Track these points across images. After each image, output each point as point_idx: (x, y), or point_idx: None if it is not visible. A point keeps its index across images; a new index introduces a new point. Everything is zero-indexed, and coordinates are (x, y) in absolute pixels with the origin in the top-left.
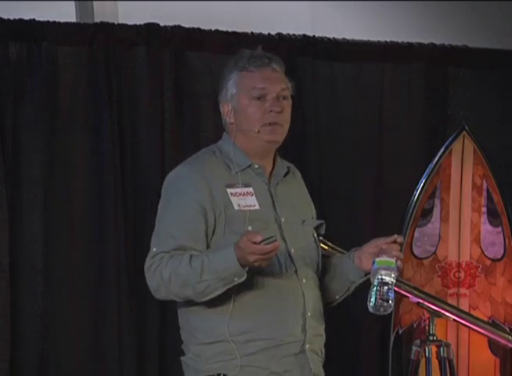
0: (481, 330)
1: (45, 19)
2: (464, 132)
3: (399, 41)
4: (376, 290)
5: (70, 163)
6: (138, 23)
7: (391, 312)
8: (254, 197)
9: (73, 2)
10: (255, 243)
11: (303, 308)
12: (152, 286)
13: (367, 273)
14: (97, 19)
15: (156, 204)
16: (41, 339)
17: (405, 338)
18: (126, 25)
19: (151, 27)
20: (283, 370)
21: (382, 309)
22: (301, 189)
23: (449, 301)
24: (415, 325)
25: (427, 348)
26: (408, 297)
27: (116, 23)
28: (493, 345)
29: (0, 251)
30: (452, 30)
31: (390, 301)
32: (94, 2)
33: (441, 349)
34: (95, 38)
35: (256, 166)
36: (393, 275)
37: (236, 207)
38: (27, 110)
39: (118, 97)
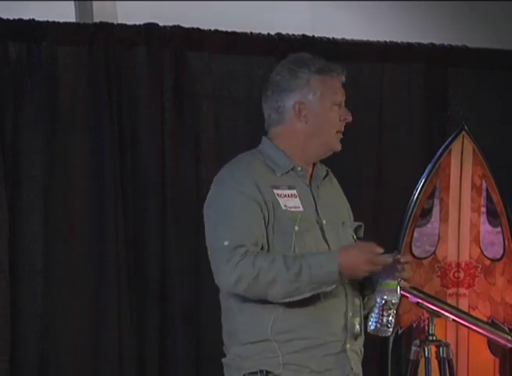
0: (481, 330)
1: (45, 20)
2: (464, 132)
3: (399, 41)
4: (378, 314)
5: (69, 163)
6: (137, 23)
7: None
8: (297, 199)
9: (72, 2)
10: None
11: (345, 307)
12: (230, 279)
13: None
14: (96, 20)
15: (156, 205)
16: (40, 339)
17: (404, 338)
18: (126, 25)
19: (151, 27)
20: (323, 369)
21: (381, 333)
22: (338, 191)
23: (449, 301)
24: (414, 325)
25: (426, 349)
26: (407, 297)
27: (115, 23)
28: (493, 345)
29: (0, 250)
30: (452, 30)
31: (389, 327)
32: (93, 2)
33: (441, 349)
34: (95, 38)
35: (299, 168)
36: (395, 298)
37: (283, 208)
38: (26, 110)
39: (118, 97)
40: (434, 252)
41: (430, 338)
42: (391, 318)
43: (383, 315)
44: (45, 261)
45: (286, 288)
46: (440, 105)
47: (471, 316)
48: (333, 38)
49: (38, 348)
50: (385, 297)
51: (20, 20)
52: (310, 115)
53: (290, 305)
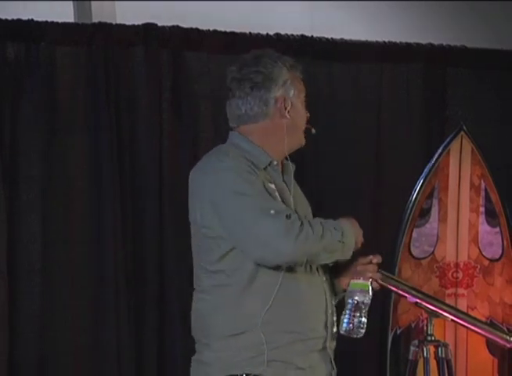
0: (479, 331)
1: (44, 20)
2: (462, 132)
3: (397, 41)
4: (349, 314)
5: (68, 163)
6: (136, 23)
7: (390, 312)
8: (277, 193)
9: (71, 2)
10: None
11: (325, 305)
12: (296, 242)
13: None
14: (95, 20)
15: (154, 205)
16: (39, 339)
17: (403, 338)
18: (124, 25)
19: (149, 28)
20: (308, 365)
21: (353, 334)
22: (299, 187)
23: (447, 301)
24: (413, 325)
25: (425, 349)
26: (406, 297)
27: (114, 23)
28: (491, 346)
29: None
30: (451, 30)
31: (361, 329)
32: (92, 2)
33: (440, 349)
34: (94, 38)
35: (275, 163)
36: (366, 299)
37: None
38: (25, 110)
39: (116, 97)
40: (433, 252)
41: (429, 338)
42: (363, 319)
43: (354, 316)
44: (43, 261)
45: (335, 246)
46: (439, 105)
47: (470, 316)
48: (331, 39)
49: (37, 348)
50: (356, 297)
51: (19, 20)
52: (291, 110)
53: (275, 298)
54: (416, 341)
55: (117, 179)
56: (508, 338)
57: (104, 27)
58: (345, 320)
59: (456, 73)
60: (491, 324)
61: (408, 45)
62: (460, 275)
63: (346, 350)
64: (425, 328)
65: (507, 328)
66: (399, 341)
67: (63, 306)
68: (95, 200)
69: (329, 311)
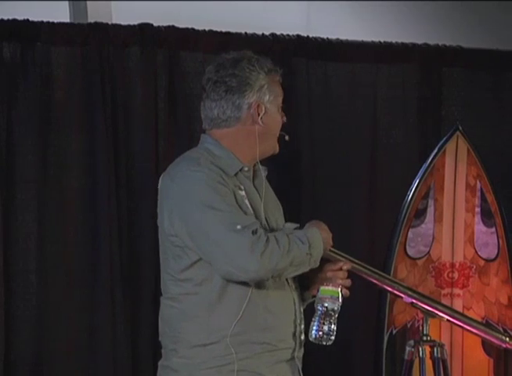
0: (475, 331)
1: (39, 20)
2: (458, 133)
3: (393, 41)
4: (319, 321)
5: (64, 163)
6: (131, 23)
7: (386, 312)
8: (247, 200)
9: (66, 2)
10: None
11: (294, 314)
12: (262, 260)
13: (315, 296)
14: (91, 20)
15: (150, 205)
16: (34, 339)
17: (398, 339)
18: (120, 25)
19: (145, 28)
20: (275, 375)
21: (323, 341)
22: (272, 191)
23: (443, 301)
24: (409, 325)
25: (420, 349)
26: (402, 297)
27: (110, 23)
28: (487, 346)
29: None
30: (446, 30)
31: (331, 336)
32: (88, 2)
33: (435, 350)
34: (89, 38)
35: (246, 169)
36: (336, 306)
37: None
38: (21, 110)
39: (112, 97)
40: (429, 252)
41: (425, 338)
42: (332, 326)
43: (324, 323)
44: (38, 261)
45: (302, 258)
46: (434, 105)
47: (466, 316)
48: (327, 39)
49: (32, 347)
50: (326, 304)
51: (15, 20)
52: (265, 116)
53: (245, 310)
54: (411, 341)
55: (112, 179)
56: (503, 338)
57: (100, 27)
58: (314, 328)
59: (451, 73)
60: (486, 324)
61: (403, 45)
62: (456, 275)
63: (341, 350)
64: (421, 328)
65: (503, 328)
66: (395, 341)
67: (58, 306)
68: (90, 200)
69: (298, 320)
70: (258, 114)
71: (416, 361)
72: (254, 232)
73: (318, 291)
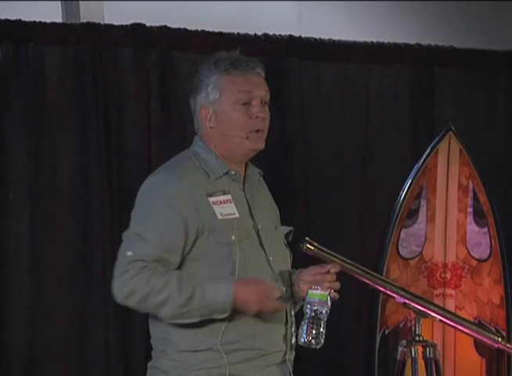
0: (467, 331)
1: (31, 20)
2: (450, 133)
3: (385, 41)
4: (307, 325)
5: (56, 163)
6: (124, 23)
7: (378, 312)
8: (233, 204)
9: (59, 2)
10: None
11: (285, 318)
12: (122, 292)
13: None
14: (83, 20)
15: None
16: (27, 339)
17: (391, 339)
18: (112, 25)
19: (137, 28)
20: None
21: (312, 345)
22: (268, 195)
23: (435, 301)
24: (401, 325)
25: (413, 349)
26: (394, 297)
27: (102, 23)
28: (479, 346)
29: None
30: (439, 30)
31: (320, 339)
32: (80, 2)
33: (428, 350)
34: (82, 39)
35: (233, 172)
36: (325, 309)
37: (219, 217)
38: (13, 110)
39: (104, 97)
40: (421, 253)
41: (417, 338)
42: (321, 329)
43: (312, 327)
44: (31, 261)
45: (175, 311)
46: (427, 105)
47: (458, 316)
48: (320, 39)
49: (24, 348)
50: (315, 308)
51: (7, 21)
52: (214, 117)
53: (234, 316)
54: (404, 342)
55: (104, 179)
56: (496, 338)
57: (92, 27)
58: (303, 332)
59: (444, 73)
60: (479, 324)
61: (396, 46)
62: (448, 275)
63: (334, 350)
64: (413, 328)
65: (495, 328)
66: (387, 342)
67: (51, 306)
68: (83, 200)
69: (289, 323)
70: (206, 117)
71: (409, 361)
72: (137, 262)
73: (307, 294)
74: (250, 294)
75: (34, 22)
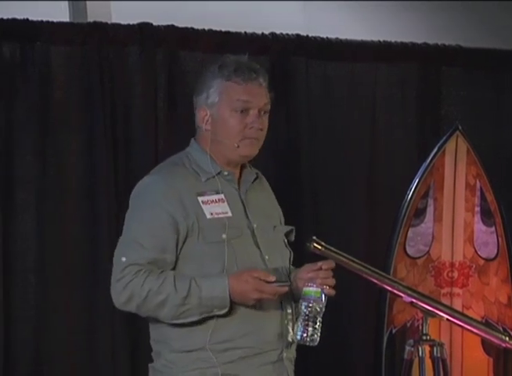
0: (475, 330)
1: (39, 19)
2: (458, 132)
3: (392, 40)
4: (302, 323)
5: (63, 163)
6: (131, 22)
7: (385, 311)
8: (225, 203)
9: (66, 2)
10: (268, 282)
11: (280, 316)
12: (120, 298)
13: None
14: (90, 19)
15: None
16: (34, 339)
17: (398, 338)
18: (119, 25)
19: (144, 27)
20: None
21: (308, 342)
22: (269, 194)
23: (443, 300)
24: (408, 325)
25: (420, 348)
26: (401, 296)
27: (109, 22)
28: (486, 345)
29: None
30: (446, 29)
31: (316, 336)
32: (87, 2)
33: (435, 349)
34: (89, 38)
35: (226, 173)
36: (320, 306)
37: (208, 216)
38: (20, 110)
39: (112, 97)
40: (428, 252)
41: (424, 337)
42: (317, 326)
43: (308, 324)
44: (37, 261)
45: (174, 311)
46: (434, 104)
47: (465, 315)
48: (327, 38)
49: (31, 347)
50: (310, 305)
51: (14, 20)
52: (211, 120)
53: (226, 315)
54: (411, 341)
55: (111, 179)
56: (503, 337)
57: (99, 27)
58: (299, 329)
59: (451, 72)
60: (486, 324)
61: (403, 45)
62: (456, 274)
63: (341, 349)
64: (420, 328)
65: (502, 328)
66: (394, 341)
67: (57, 306)
68: (89, 199)
69: (285, 321)
70: (203, 119)
71: (416, 361)
72: (131, 267)
73: (302, 291)
74: (246, 284)
75: (41, 21)
